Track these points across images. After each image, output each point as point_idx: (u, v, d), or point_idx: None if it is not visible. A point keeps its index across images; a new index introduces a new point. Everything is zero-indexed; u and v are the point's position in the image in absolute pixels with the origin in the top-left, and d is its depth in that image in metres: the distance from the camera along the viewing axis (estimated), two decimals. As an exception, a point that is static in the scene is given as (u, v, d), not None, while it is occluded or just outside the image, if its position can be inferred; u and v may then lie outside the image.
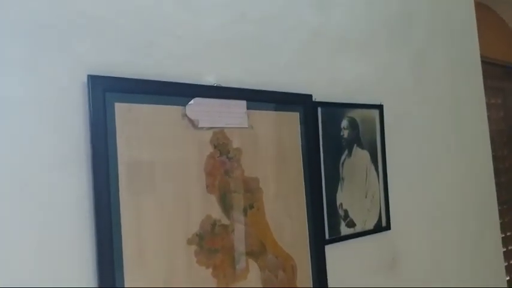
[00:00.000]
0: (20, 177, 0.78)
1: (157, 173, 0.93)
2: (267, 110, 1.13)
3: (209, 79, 1.04)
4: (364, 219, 1.37)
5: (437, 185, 1.69)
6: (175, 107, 0.97)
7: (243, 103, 1.08)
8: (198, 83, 1.01)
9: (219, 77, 1.06)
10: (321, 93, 1.26)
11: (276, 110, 1.15)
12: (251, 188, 1.08)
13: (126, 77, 0.90)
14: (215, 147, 1.02)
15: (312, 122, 1.22)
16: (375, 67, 1.48)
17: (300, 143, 1.19)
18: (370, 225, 1.39)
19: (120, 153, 0.88)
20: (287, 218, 1.15)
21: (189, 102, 0.98)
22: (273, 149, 1.14)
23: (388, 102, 1.48)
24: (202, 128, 1.00)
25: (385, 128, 1.45)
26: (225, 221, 1.02)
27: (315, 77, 1.29)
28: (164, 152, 0.94)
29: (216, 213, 1.01)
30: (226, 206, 1.03)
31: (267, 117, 1.13)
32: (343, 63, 1.38)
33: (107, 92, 0.87)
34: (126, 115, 0.89)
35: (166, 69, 0.97)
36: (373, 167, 1.41)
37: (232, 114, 1.06)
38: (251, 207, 1.08)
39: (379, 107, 1.44)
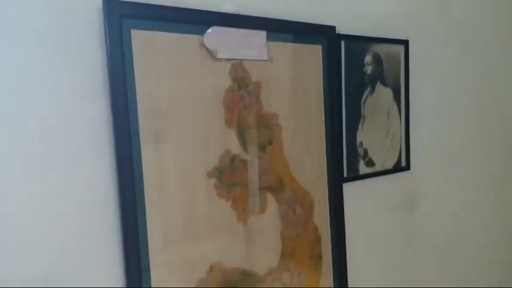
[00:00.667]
0: (38, 109, 0.77)
1: (176, 104, 0.90)
2: (287, 41, 1.08)
3: (228, 7, 0.99)
4: (384, 159, 1.34)
5: (460, 126, 1.64)
6: (193, 36, 0.92)
7: (263, 33, 1.02)
8: (217, 11, 0.96)
9: (238, 5, 1.00)
10: (344, 26, 1.19)
11: (297, 42, 1.09)
12: (270, 124, 1.06)
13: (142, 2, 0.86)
14: (234, 80, 0.99)
15: (335, 56, 1.17)
16: (401, 0, 1.39)
17: (322, 78, 1.15)
18: (390, 165, 1.37)
19: (138, 82, 0.85)
20: (306, 155, 1.13)
21: (207, 31, 0.93)
22: (293, 84, 1.10)
23: (414, 38, 1.40)
24: (220, 59, 0.96)
25: (409, 65, 1.39)
26: (244, 156, 1.01)
27: (339, 8, 1.21)
28: (182, 83, 0.91)
29: (235, 148, 0.99)
30: (245, 141, 1.01)
31: (287, 50, 1.08)
32: (369, -6, 1.30)
33: (123, 18, 0.83)
34: (143, 43, 0.86)
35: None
36: (395, 106, 1.36)
37: (251, 45, 1.01)
38: (270, 143, 1.06)
39: (405, 42, 1.37)
